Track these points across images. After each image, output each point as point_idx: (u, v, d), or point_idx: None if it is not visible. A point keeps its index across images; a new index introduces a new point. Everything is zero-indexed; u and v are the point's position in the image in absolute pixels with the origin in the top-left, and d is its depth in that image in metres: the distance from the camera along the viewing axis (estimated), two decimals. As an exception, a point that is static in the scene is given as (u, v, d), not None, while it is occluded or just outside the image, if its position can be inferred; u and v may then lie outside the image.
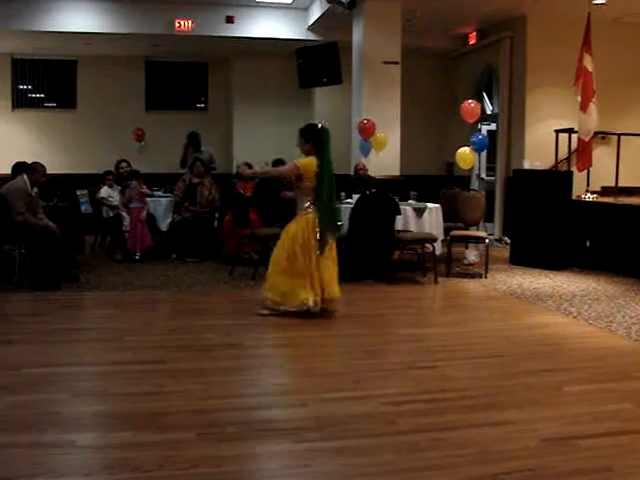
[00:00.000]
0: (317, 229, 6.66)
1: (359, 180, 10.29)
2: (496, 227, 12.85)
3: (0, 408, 4.20)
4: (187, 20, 12.60)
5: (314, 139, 6.70)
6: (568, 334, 6.25)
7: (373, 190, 8.90)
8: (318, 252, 6.66)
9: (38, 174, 8.42)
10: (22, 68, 15.13)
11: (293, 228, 6.75)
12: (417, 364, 5.23)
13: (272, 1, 12.50)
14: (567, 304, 7.42)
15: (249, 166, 8.61)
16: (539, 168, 10.47)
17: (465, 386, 4.72)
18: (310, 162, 6.68)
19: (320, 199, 6.70)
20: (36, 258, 8.03)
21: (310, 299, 6.60)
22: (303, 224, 6.70)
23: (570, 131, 10.91)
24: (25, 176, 8.32)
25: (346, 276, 8.51)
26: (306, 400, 4.40)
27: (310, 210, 6.72)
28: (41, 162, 8.62)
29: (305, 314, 6.61)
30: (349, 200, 9.11)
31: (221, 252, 10.05)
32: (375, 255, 8.73)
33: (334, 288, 6.80)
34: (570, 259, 9.80)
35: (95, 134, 14.81)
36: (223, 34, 12.94)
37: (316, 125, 6.80)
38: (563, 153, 11.50)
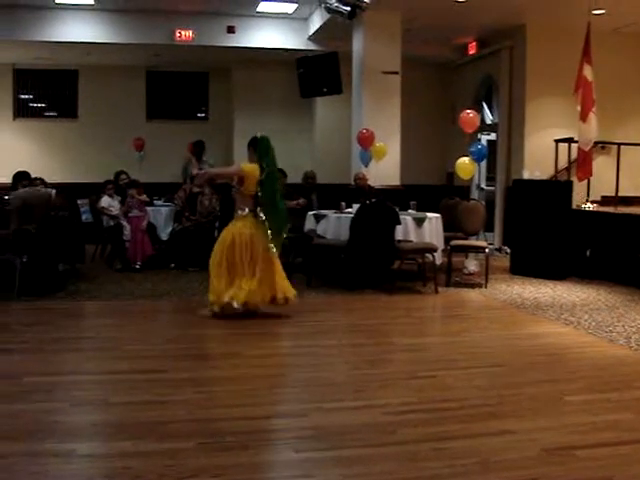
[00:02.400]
0: (267, 231, 7.00)
1: (359, 190, 10.30)
2: (496, 237, 12.85)
3: (0, 416, 4.19)
4: (187, 30, 12.65)
5: (254, 146, 7.20)
6: (568, 344, 6.24)
7: (373, 200, 8.90)
8: (274, 251, 7.00)
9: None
10: (23, 78, 15.20)
11: (228, 232, 7.07)
12: (417, 374, 5.23)
13: (273, 11, 12.54)
14: (567, 314, 7.41)
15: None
16: (539, 178, 10.49)
17: (466, 395, 4.71)
18: (253, 168, 7.10)
19: (263, 203, 7.07)
20: (29, 264, 8.08)
21: (235, 299, 6.82)
22: (239, 227, 7.02)
23: (570, 141, 10.94)
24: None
25: (346, 285, 8.56)
26: (306, 410, 4.39)
27: (247, 214, 7.05)
28: (42, 171, 8.74)
29: (301, 323, 6.61)
30: (349, 210, 9.12)
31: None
32: (375, 265, 8.73)
33: (287, 287, 7.08)
34: (570, 269, 9.80)
35: (96, 143, 14.83)
36: (224, 44, 12.98)
37: (260, 136, 7.25)
38: (563, 163, 11.52)
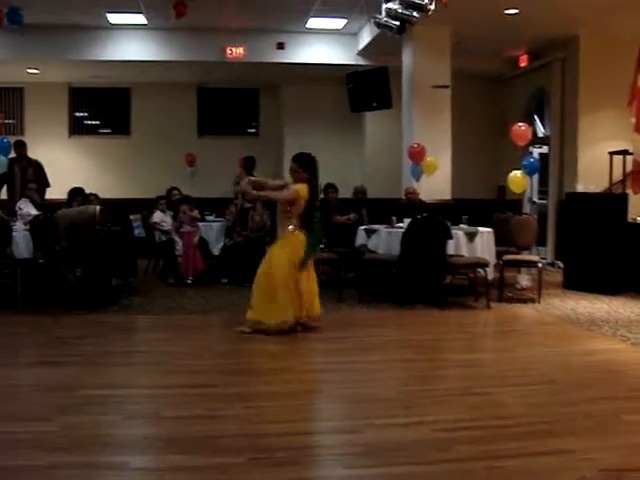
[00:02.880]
0: (303, 249, 6.94)
1: (410, 204, 10.25)
2: (549, 251, 12.66)
3: (55, 428, 4.25)
4: (238, 47, 12.76)
5: (312, 168, 7.16)
6: (625, 361, 6.10)
7: (424, 214, 8.85)
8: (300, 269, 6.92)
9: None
10: (79, 96, 15.54)
11: (282, 251, 6.99)
12: (471, 390, 5.15)
13: (322, 27, 12.59)
14: (624, 329, 7.24)
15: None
16: (593, 191, 10.32)
17: (520, 413, 4.62)
18: (304, 189, 7.02)
19: (315, 224, 7.06)
20: (84, 278, 8.25)
21: (291, 316, 6.84)
22: (293, 244, 6.95)
23: (624, 153, 10.73)
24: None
25: (397, 301, 8.51)
26: (357, 426, 4.35)
27: (296, 232, 7.00)
28: (96, 187, 8.94)
29: (353, 337, 6.58)
30: (400, 224, 9.07)
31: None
32: (427, 280, 8.67)
33: (316, 306, 7.09)
34: (626, 283, 9.59)
35: (148, 160, 15.07)
36: (274, 60, 13.08)
37: (311, 155, 7.25)
38: (618, 175, 11.30)
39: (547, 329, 7.51)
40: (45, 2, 10.64)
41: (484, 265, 8.62)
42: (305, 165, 7.17)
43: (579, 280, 9.80)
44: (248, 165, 12.13)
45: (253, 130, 16.17)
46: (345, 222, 10.13)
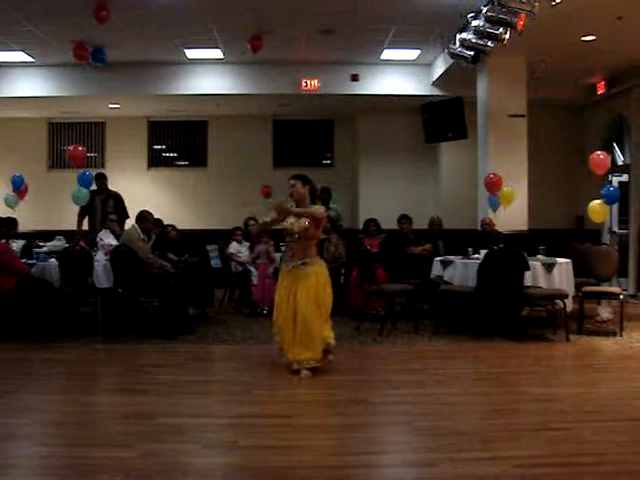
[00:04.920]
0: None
1: (486, 235, 10.14)
2: (630, 282, 12.32)
3: (134, 455, 4.34)
4: (313, 79, 12.91)
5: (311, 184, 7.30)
6: None
7: (501, 245, 8.75)
8: None
9: (147, 221, 9.00)
10: (157, 129, 15.95)
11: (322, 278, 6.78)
12: (549, 425, 5.03)
13: (396, 58, 12.64)
14: None
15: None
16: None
17: (603, 451, 4.48)
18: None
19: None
20: (161, 308, 8.42)
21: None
22: (324, 271, 6.84)
23: None
24: (135, 225, 8.97)
25: (474, 333, 8.41)
26: (434, 459, 4.31)
27: (317, 260, 6.90)
28: (174, 218, 9.10)
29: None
30: (476, 255, 8.98)
31: (348, 308, 10.01)
32: (503, 311, 8.55)
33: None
34: None
35: (225, 191, 15.34)
36: (348, 92, 13.17)
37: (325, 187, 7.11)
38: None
39: (630, 364, 7.29)
40: (126, 40, 11.00)
41: (563, 297, 8.44)
42: (319, 192, 7.35)
43: (662, 312, 9.53)
44: (323, 196, 12.17)
45: (328, 161, 16.28)
46: (420, 253, 10.08)
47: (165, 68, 12.72)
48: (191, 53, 12.11)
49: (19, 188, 11.41)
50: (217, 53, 12.08)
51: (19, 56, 11.83)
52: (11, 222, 10.50)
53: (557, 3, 7.69)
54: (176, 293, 8.52)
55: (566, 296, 8.47)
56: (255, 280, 10.29)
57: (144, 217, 9.04)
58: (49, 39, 10.85)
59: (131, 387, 6.17)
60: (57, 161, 15.64)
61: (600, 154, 10.18)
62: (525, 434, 4.85)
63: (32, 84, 12.67)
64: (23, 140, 15.27)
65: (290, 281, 6.69)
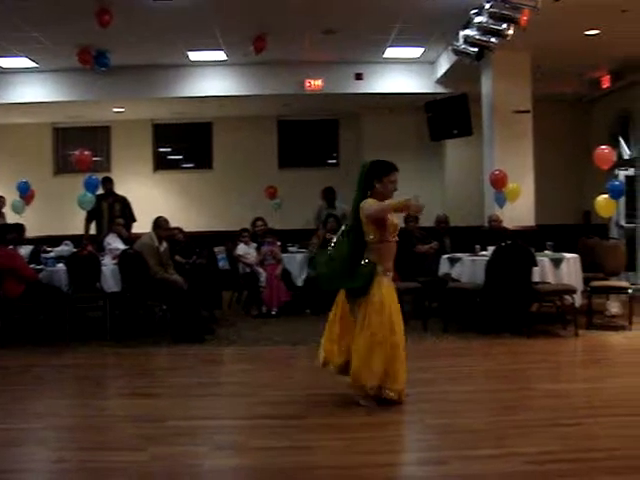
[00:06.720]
0: None
1: (493, 232, 10.12)
2: (638, 276, 12.30)
3: (146, 458, 4.35)
4: (317, 79, 12.91)
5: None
6: None
7: (508, 242, 8.74)
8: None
9: (161, 228, 8.93)
10: (162, 132, 15.99)
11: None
12: (560, 421, 5.02)
13: (400, 56, 12.63)
14: None
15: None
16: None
17: (614, 445, 4.47)
18: None
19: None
20: (176, 313, 8.42)
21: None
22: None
23: None
24: (152, 232, 8.91)
25: (483, 330, 8.40)
26: (446, 457, 4.30)
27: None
28: (180, 220, 9.08)
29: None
30: (484, 252, 8.97)
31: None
32: (512, 308, 8.53)
33: None
34: None
35: (231, 192, 15.35)
36: (352, 91, 13.17)
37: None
38: None
39: (639, 358, 7.28)
40: (129, 44, 11.02)
41: (571, 292, 8.43)
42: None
43: (672, 306, 9.49)
44: (328, 196, 12.19)
45: (333, 161, 16.27)
46: (428, 251, 10.06)
47: (169, 71, 12.74)
48: (194, 55, 12.13)
49: (25, 194, 11.45)
50: (220, 55, 12.09)
51: (23, 62, 11.87)
52: (19, 228, 10.50)
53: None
54: (186, 296, 8.52)
55: (574, 291, 8.45)
56: (264, 281, 10.29)
57: (160, 224, 9.03)
58: (52, 44, 10.88)
59: (142, 390, 6.18)
60: (63, 166, 15.68)
61: (605, 149, 10.16)
62: (536, 430, 4.84)
63: (36, 89, 12.71)
64: (28, 145, 15.33)
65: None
